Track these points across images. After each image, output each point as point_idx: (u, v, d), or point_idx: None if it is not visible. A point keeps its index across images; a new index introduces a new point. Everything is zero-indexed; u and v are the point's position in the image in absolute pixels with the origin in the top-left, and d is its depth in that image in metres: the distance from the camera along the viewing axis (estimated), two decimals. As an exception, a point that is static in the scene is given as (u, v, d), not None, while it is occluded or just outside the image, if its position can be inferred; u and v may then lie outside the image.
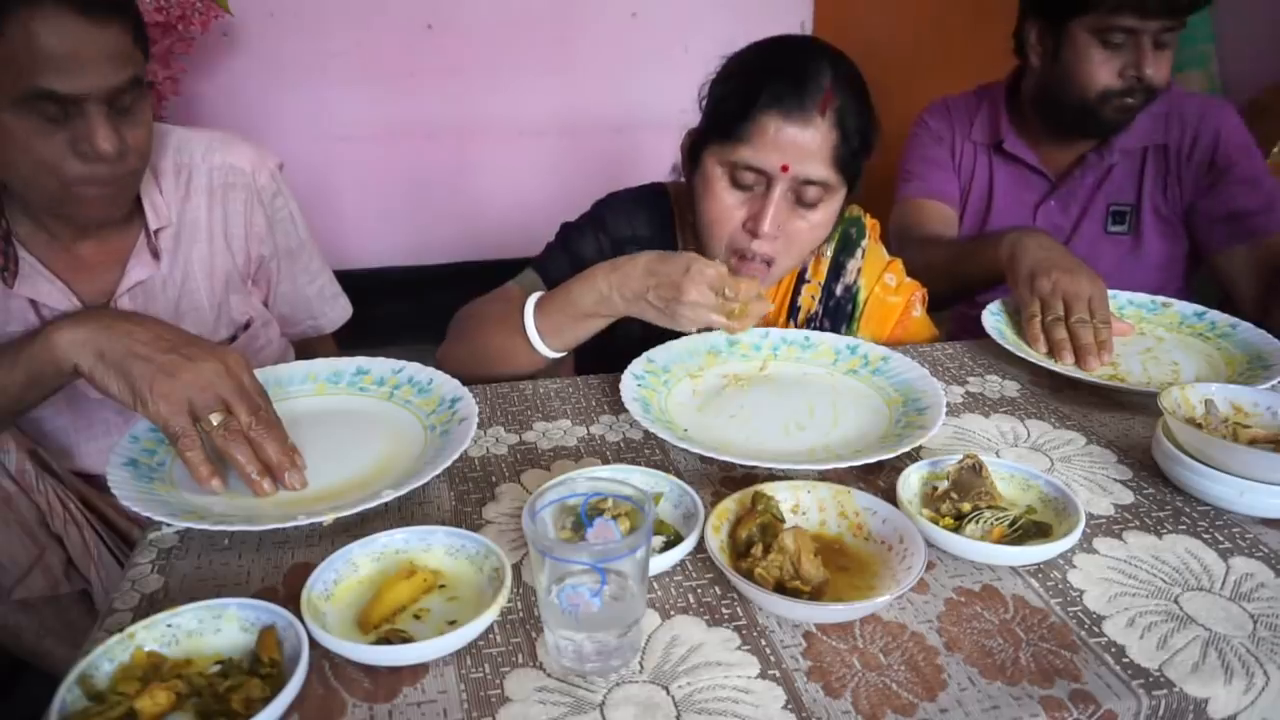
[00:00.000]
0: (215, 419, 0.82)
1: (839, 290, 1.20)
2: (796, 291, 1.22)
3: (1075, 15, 1.35)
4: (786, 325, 1.22)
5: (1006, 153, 1.56)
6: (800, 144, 0.99)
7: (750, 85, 1.01)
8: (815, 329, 1.18)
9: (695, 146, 1.10)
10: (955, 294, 1.41)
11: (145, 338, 0.84)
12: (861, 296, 1.22)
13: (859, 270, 1.21)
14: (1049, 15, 1.40)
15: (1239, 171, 1.44)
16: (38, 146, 0.93)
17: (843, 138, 1.00)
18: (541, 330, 1.03)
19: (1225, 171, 1.44)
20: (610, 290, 0.99)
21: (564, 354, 1.07)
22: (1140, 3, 1.29)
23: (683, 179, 1.18)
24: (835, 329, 1.20)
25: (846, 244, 1.21)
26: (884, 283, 1.22)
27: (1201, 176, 1.46)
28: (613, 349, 1.10)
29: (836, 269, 1.20)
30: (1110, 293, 1.18)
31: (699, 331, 1.00)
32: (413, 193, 2.95)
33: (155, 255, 1.13)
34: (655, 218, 1.22)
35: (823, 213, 1.05)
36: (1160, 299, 1.27)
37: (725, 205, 1.04)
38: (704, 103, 1.11)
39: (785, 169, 0.99)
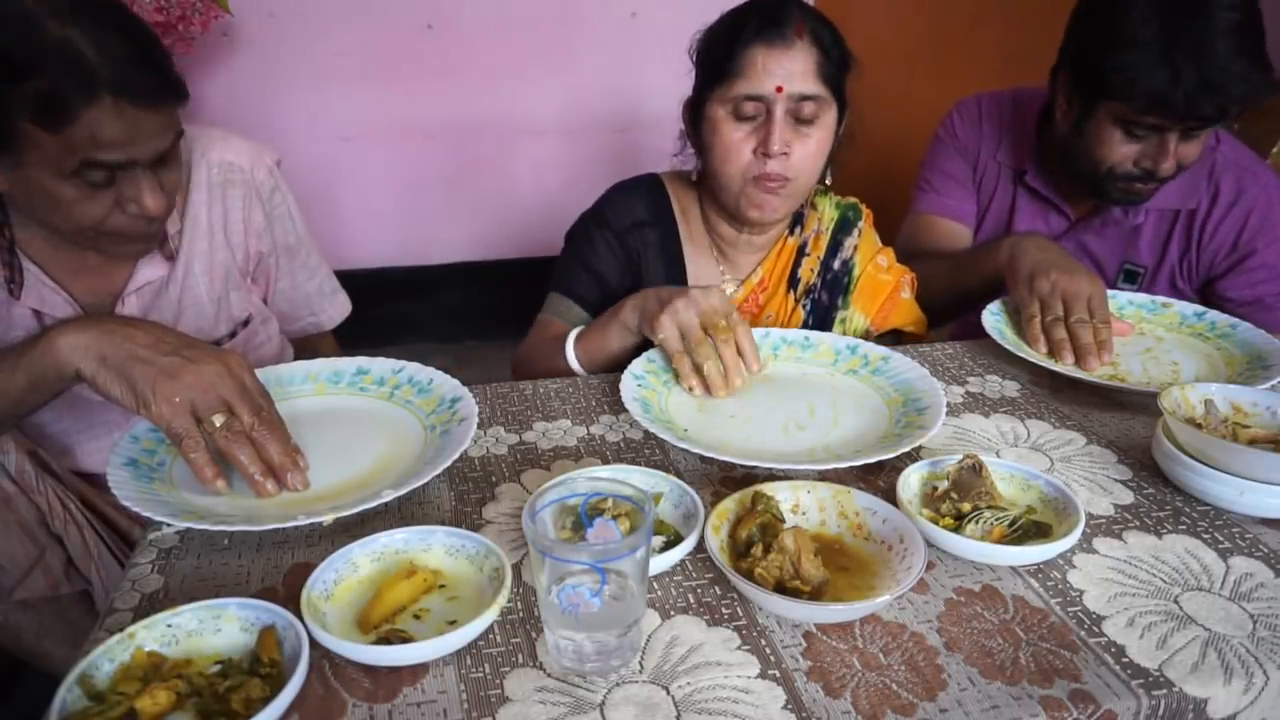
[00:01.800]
0: (218, 420, 0.82)
1: (836, 265, 1.29)
2: (797, 264, 1.29)
3: (1105, 99, 1.26)
4: (787, 295, 1.28)
5: (1028, 183, 1.48)
6: (787, 65, 1.10)
7: (733, 29, 1.14)
8: (814, 300, 1.28)
9: (695, 108, 1.20)
10: (955, 305, 1.41)
11: (146, 341, 0.84)
12: (856, 272, 1.29)
13: (855, 247, 1.30)
14: (1080, 87, 1.30)
15: (1262, 257, 1.37)
16: (85, 207, 0.94)
17: (823, 54, 1.12)
18: (584, 364, 1.13)
19: (1249, 255, 1.38)
20: (636, 325, 1.08)
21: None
22: (1167, 110, 1.20)
23: (680, 158, 1.28)
24: (833, 299, 1.28)
25: (844, 224, 1.30)
26: (876, 263, 1.30)
27: (1223, 256, 1.40)
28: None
29: (835, 246, 1.29)
30: (1110, 293, 1.18)
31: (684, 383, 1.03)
32: (413, 193, 2.94)
33: (168, 257, 1.13)
34: (653, 201, 1.29)
35: (821, 130, 1.14)
36: (1160, 299, 1.27)
37: (734, 140, 1.14)
38: (695, 65, 1.20)
39: (780, 89, 1.10)
